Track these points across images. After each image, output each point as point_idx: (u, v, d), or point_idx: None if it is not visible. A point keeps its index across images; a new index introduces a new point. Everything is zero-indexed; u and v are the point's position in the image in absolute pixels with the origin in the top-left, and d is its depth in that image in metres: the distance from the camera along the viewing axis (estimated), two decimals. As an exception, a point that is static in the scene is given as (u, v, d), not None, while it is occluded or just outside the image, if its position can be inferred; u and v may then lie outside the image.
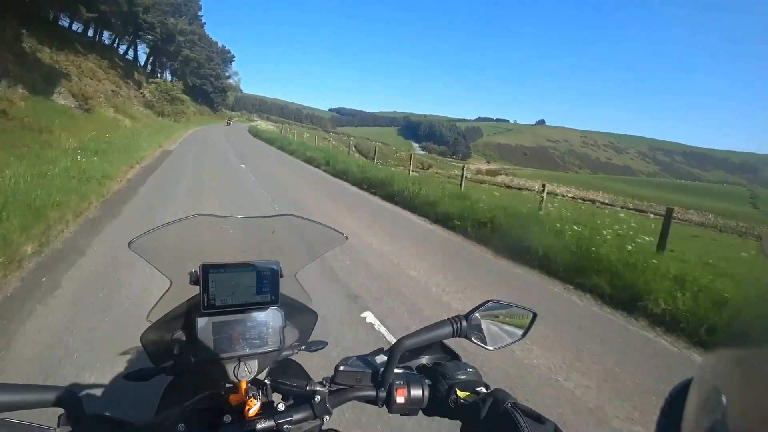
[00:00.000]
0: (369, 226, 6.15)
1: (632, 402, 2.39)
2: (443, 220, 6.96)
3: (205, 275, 0.66)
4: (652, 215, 23.87)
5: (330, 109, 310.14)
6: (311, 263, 0.86)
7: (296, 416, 0.60)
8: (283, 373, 0.82)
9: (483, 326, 0.66)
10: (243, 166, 12.10)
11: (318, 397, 0.61)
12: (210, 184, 8.49)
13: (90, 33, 27.75)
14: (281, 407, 0.61)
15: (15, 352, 2.23)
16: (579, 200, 30.29)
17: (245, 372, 0.66)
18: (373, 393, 0.64)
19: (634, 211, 26.62)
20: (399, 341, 0.62)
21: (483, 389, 0.61)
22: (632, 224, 6.45)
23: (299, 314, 0.84)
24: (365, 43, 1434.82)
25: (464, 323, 0.64)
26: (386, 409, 0.64)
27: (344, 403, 0.64)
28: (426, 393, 0.64)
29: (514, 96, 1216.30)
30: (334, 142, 30.06)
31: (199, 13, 50.74)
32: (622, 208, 28.90)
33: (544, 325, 3.25)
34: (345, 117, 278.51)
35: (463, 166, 10.40)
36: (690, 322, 3.43)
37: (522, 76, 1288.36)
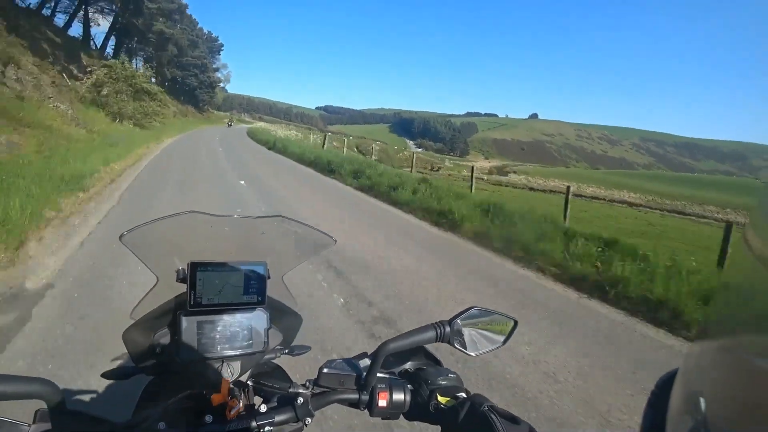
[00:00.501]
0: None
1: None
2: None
3: (193, 273, 0.67)
4: (693, 218, 21.03)
5: (317, 107, 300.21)
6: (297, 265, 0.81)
7: (278, 418, 0.59)
8: (266, 375, 0.77)
9: (465, 332, 0.65)
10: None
11: (300, 399, 0.61)
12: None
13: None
14: (263, 409, 0.60)
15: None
16: (616, 203, 26.48)
17: (228, 373, 0.67)
18: (355, 396, 0.63)
19: (675, 214, 23.47)
20: (382, 345, 0.61)
21: (463, 394, 0.61)
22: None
23: (284, 317, 0.83)
24: (350, 40, 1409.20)
25: (447, 328, 0.63)
26: (368, 413, 0.63)
27: (327, 405, 0.63)
28: (408, 397, 0.63)
29: (503, 90, 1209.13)
30: (336, 143, 25.26)
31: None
32: (654, 209, 24.64)
33: None
34: (333, 115, 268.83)
35: (472, 167, 10.10)
36: None
37: (509, 70, 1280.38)
